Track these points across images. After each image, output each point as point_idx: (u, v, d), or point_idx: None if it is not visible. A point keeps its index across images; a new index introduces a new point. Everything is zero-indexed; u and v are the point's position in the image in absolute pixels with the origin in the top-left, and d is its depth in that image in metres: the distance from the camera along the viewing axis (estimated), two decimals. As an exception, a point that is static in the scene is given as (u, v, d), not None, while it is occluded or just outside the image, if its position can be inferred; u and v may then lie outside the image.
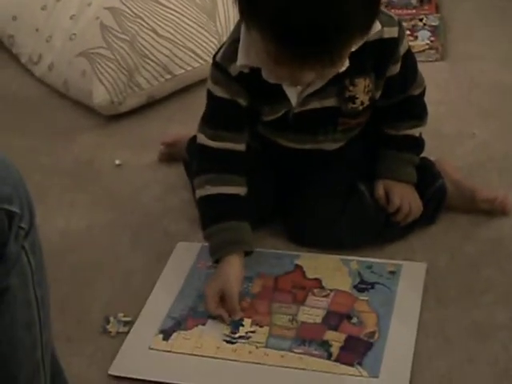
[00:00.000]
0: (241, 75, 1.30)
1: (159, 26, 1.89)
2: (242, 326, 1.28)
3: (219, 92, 1.33)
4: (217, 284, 1.30)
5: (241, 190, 1.36)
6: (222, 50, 1.33)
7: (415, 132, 1.44)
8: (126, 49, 1.86)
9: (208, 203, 1.36)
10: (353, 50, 1.23)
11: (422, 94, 1.43)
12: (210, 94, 1.35)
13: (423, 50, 1.97)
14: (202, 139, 1.36)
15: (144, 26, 1.88)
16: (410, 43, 1.94)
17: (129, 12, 1.90)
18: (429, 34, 2.01)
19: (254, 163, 1.40)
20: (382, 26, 1.28)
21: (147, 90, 1.87)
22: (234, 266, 1.31)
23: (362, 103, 1.34)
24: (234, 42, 1.30)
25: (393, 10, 2.12)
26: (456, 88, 1.85)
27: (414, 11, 2.13)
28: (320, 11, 1.09)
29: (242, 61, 1.28)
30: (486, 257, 1.39)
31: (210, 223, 1.35)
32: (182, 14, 1.93)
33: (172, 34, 1.89)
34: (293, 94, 1.32)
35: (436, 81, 1.87)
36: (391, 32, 1.30)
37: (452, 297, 1.32)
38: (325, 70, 1.19)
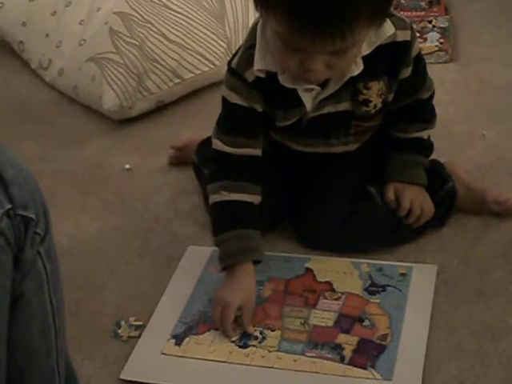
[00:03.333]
0: (257, 80, 1.29)
1: (168, 30, 1.89)
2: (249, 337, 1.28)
3: (235, 98, 1.32)
4: (221, 297, 1.28)
5: (255, 199, 1.36)
6: (237, 57, 1.32)
7: (424, 134, 1.44)
8: (135, 53, 1.86)
9: (222, 209, 1.36)
10: (366, 52, 1.24)
11: (431, 97, 1.43)
12: (225, 101, 1.34)
13: (433, 52, 1.97)
14: (219, 146, 1.35)
15: (153, 31, 1.89)
16: (420, 45, 1.96)
17: (138, 17, 1.90)
18: (438, 35, 2.01)
19: (266, 168, 1.40)
20: (396, 29, 1.28)
21: (156, 95, 1.88)
22: (247, 278, 1.30)
23: (375, 106, 1.34)
24: (249, 48, 1.30)
25: (402, 12, 2.12)
26: (465, 89, 1.85)
27: (423, 13, 2.13)
28: None
29: (258, 65, 1.28)
30: (497, 259, 1.38)
31: (223, 230, 1.34)
32: (190, 18, 1.93)
33: (181, 38, 1.89)
34: (308, 99, 1.31)
35: (445, 82, 1.87)
36: (404, 35, 1.30)
37: (463, 299, 1.31)
38: (336, 57, 1.18)
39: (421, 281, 1.35)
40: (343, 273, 1.38)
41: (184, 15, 1.93)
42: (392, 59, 1.31)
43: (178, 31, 1.90)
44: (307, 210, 1.44)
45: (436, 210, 1.43)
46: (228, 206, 1.35)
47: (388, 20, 1.26)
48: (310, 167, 1.44)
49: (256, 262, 1.33)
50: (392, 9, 1.27)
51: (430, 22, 2.07)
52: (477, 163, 1.59)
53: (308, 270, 1.39)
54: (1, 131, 1.83)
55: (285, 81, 1.28)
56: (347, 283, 1.35)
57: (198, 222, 1.53)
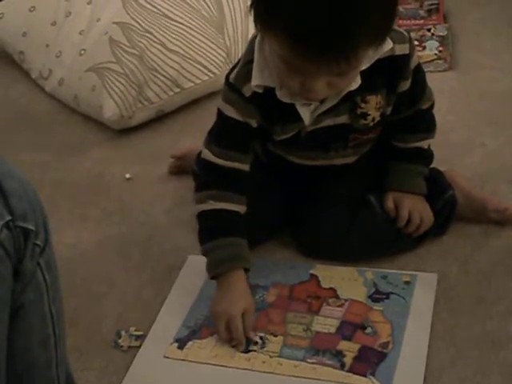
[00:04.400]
0: (254, 96, 1.29)
1: (168, 39, 1.90)
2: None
3: (230, 112, 1.32)
4: (222, 311, 1.28)
5: (241, 209, 1.35)
6: (235, 71, 1.32)
7: (424, 144, 1.44)
8: (135, 63, 1.87)
9: (209, 218, 1.35)
10: (364, 67, 1.24)
11: (431, 107, 1.44)
12: (220, 113, 1.34)
13: (432, 60, 1.97)
14: (208, 156, 1.36)
15: (153, 40, 1.89)
16: (419, 53, 1.96)
17: (137, 26, 1.91)
18: (437, 44, 2.01)
19: (264, 177, 1.41)
20: (394, 43, 1.28)
21: (156, 104, 1.88)
22: (241, 285, 1.29)
23: (374, 119, 1.34)
24: (247, 63, 1.29)
25: (401, 21, 2.13)
26: (465, 97, 1.85)
27: (422, 21, 2.13)
28: (337, 8, 1.09)
29: (256, 81, 1.27)
30: (497, 267, 1.38)
31: (210, 238, 1.34)
32: (190, 28, 1.94)
33: (180, 47, 1.90)
34: (306, 113, 1.31)
35: (444, 90, 1.87)
36: (402, 49, 1.30)
37: (464, 307, 1.31)
38: (339, 77, 1.18)
39: (423, 289, 1.35)
40: (348, 280, 1.38)
41: (183, 25, 1.93)
42: (390, 73, 1.31)
43: (178, 41, 1.90)
44: (307, 219, 1.44)
45: (436, 219, 1.43)
46: (215, 215, 1.35)
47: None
48: (309, 178, 1.44)
49: (245, 271, 1.33)
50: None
51: (429, 30, 2.07)
52: (476, 171, 1.59)
53: (313, 276, 1.40)
54: (1, 141, 1.84)
55: (283, 96, 1.28)
56: (351, 290, 1.36)
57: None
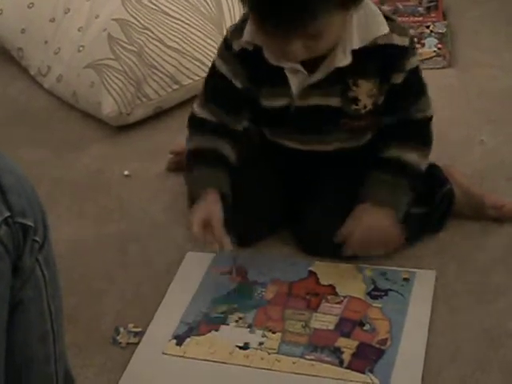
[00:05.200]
0: (243, 52, 1.33)
1: (166, 36, 1.90)
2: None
3: (221, 66, 1.37)
4: (200, 213, 1.32)
5: (229, 155, 1.39)
6: (232, 25, 1.37)
7: (410, 157, 1.37)
8: (133, 60, 1.87)
9: (196, 152, 1.40)
10: (356, 47, 1.26)
11: (425, 120, 1.39)
12: (212, 66, 1.40)
13: (430, 58, 1.97)
14: (196, 110, 1.42)
15: (151, 37, 1.89)
16: (418, 51, 1.96)
17: (136, 23, 1.91)
18: (436, 41, 2.01)
19: (264, 173, 1.41)
20: (392, 32, 1.29)
21: (155, 101, 1.88)
22: (212, 200, 1.33)
23: (365, 106, 1.34)
24: (244, 19, 1.33)
25: (400, 18, 2.12)
26: (464, 95, 1.85)
27: (421, 19, 2.13)
28: None
29: (246, 37, 1.31)
30: (495, 264, 1.39)
31: (194, 167, 1.39)
32: (188, 25, 1.93)
33: (179, 44, 1.90)
34: (295, 82, 1.32)
35: (443, 88, 1.87)
36: (401, 40, 1.31)
37: (462, 304, 1.31)
38: (314, 40, 1.21)
39: (422, 286, 1.35)
40: (347, 277, 1.38)
41: (182, 21, 1.93)
42: (385, 61, 1.31)
43: (176, 37, 1.90)
44: (307, 216, 1.44)
45: (433, 214, 1.43)
46: (202, 151, 1.39)
47: (384, 21, 1.28)
48: (307, 168, 1.44)
49: (224, 201, 1.34)
50: (393, 15, 1.31)
51: (428, 27, 2.07)
52: (475, 168, 1.59)
53: (311, 273, 1.40)
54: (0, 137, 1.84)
55: (270, 57, 1.29)
56: (350, 287, 1.36)
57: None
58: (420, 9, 2.17)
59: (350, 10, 1.23)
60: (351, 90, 1.32)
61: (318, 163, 1.43)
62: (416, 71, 1.36)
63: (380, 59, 1.31)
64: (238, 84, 1.35)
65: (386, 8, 2.16)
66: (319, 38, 1.22)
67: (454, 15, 2.18)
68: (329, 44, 1.26)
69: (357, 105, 1.33)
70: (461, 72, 1.94)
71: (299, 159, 1.43)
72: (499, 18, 2.13)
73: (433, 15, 2.14)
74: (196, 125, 1.43)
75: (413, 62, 1.34)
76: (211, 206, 1.33)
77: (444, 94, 1.84)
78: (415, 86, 1.37)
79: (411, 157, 1.37)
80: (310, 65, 1.30)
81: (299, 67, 1.30)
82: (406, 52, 1.32)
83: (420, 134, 1.40)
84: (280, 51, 1.25)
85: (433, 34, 2.04)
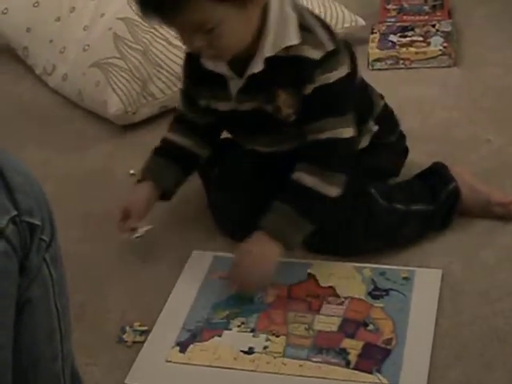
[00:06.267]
0: (188, 55, 1.41)
1: (172, 35, 1.89)
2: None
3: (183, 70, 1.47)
4: (126, 202, 1.46)
5: (196, 149, 1.47)
6: None
7: (310, 181, 1.30)
8: (139, 58, 1.87)
9: (163, 142, 1.49)
10: (268, 54, 1.27)
11: (332, 142, 1.30)
12: None
13: (436, 56, 1.96)
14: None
15: (157, 36, 1.89)
16: (423, 49, 1.97)
17: (142, 22, 1.91)
18: (441, 39, 2.00)
19: (260, 171, 1.42)
20: (303, 44, 1.27)
21: (161, 100, 1.88)
22: (142, 192, 1.45)
23: (289, 115, 1.32)
24: None
25: (405, 17, 2.13)
26: (469, 94, 1.85)
27: (426, 17, 2.12)
28: None
29: None
30: (502, 263, 1.38)
31: (152, 154, 1.49)
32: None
33: (185, 43, 1.89)
34: (233, 86, 1.35)
35: (449, 87, 1.87)
36: (312, 53, 1.28)
37: (468, 303, 1.31)
38: (208, 34, 1.23)
39: (425, 285, 1.35)
40: (346, 277, 1.38)
41: (188, 20, 1.93)
42: (296, 72, 1.29)
43: (182, 36, 1.90)
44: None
45: (439, 212, 1.43)
46: (168, 143, 1.48)
47: (296, 31, 1.27)
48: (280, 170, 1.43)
49: (165, 197, 1.48)
50: (319, 27, 1.29)
51: (434, 26, 2.06)
52: (481, 167, 1.59)
53: (310, 275, 1.39)
54: (5, 136, 1.83)
55: (204, 61, 1.35)
56: (350, 288, 1.35)
57: (202, 227, 1.53)
58: (426, 7, 2.16)
59: (244, 7, 1.22)
60: (274, 99, 1.32)
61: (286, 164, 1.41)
62: (328, 88, 1.28)
63: (292, 70, 1.29)
64: (181, 85, 1.47)
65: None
66: (215, 33, 1.23)
67: (459, 14, 2.17)
68: (231, 42, 1.26)
69: (281, 113, 1.32)
70: (467, 71, 1.94)
71: (269, 161, 1.43)
72: (505, 17, 2.13)
73: (438, 14, 2.14)
74: (179, 121, 1.50)
75: (326, 77, 1.28)
76: (137, 197, 1.45)
77: (450, 92, 1.84)
78: (323, 104, 1.30)
79: (311, 181, 1.30)
80: (239, 70, 1.32)
81: (226, 71, 1.33)
82: (315, 65, 1.27)
83: (324, 156, 1.31)
84: (190, 46, 1.29)
85: (438, 33, 2.03)
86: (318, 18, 1.36)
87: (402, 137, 1.54)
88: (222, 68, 1.34)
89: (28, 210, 0.82)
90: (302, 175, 1.30)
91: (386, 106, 1.51)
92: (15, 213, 0.80)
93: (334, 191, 1.30)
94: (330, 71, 1.28)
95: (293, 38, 1.27)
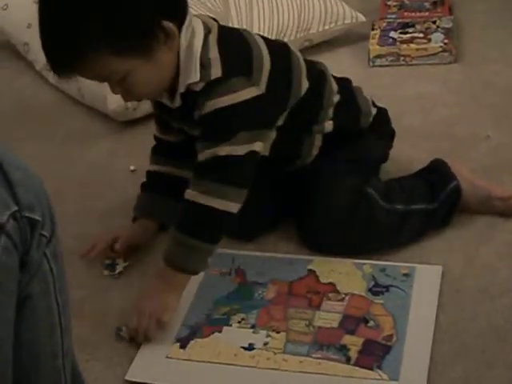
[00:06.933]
0: None
1: (172, 31, 1.89)
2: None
3: None
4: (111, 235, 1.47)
5: (179, 173, 1.46)
6: None
7: (200, 199, 1.27)
8: (139, 55, 1.86)
9: (150, 175, 1.51)
10: (181, 91, 1.29)
11: (212, 160, 1.27)
12: None
13: (437, 53, 1.96)
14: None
15: (157, 32, 1.88)
16: (424, 46, 1.97)
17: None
18: (442, 36, 2.00)
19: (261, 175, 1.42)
20: (201, 80, 1.28)
21: (161, 96, 1.87)
22: (136, 227, 1.48)
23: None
24: None
25: (406, 13, 2.13)
26: (470, 90, 1.85)
27: (427, 14, 2.12)
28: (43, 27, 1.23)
29: None
30: (502, 259, 1.38)
31: (143, 188, 1.52)
32: (194, 20, 1.93)
33: (185, 39, 1.89)
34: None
35: (450, 83, 1.87)
36: (198, 86, 1.28)
37: (468, 299, 1.31)
38: (117, 83, 1.27)
39: (425, 281, 1.35)
40: (346, 274, 1.38)
41: (188, 16, 1.92)
42: (191, 104, 1.31)
43: (183, 32, 1.90)
44: (307, 214, 1.44)
45: (440, 210, 1.43)
46: (155, 174, 1.49)
47: (197, 68, 1.27)
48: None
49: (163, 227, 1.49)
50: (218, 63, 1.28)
51: (435, 22, 2.06)
52: (481, 164, 1.59)
53: (310, 271, 1.39)
54: (5, 132, 1.84)
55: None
56: (350, 284, 1.36)
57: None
58: (426, 4, 2.16)
59: (149, 57, 1.24)
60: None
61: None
62: (218, 112, 1.27)
63: (188, 102, 1.31)
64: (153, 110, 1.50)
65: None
66: (128, 81, 1.25)
67: (460, 10, 2.17)
68: (146, 88, 1.29)
69: None
70: (467, 67, 1.94)
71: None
72: (506, 13, 2.13)
73: (439, 10, 2.14)
74: (158, 147, 1.51)
75: (211, 104, 1.27)
76: (133, 231, 1.48)
77: (450, 89, 1.84)
78: (210, 129, 1.29)
79: (189, 194, 1.28)
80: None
81: (165, 101, 1.34)
82: (198, 95, 1.28)
83: (217, 172, 1.28)
84: (112, 91, 1.31)
85: (439, 29, 2.03)
86: (226, 41, 1.31)
87: (382, 121, 1.52)
88: (161, 97, 1.35)
89: (28, 205, 0.82)
90: (191, 193, 1.28)
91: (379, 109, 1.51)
92: (16, 208, 0.80)
93: (230, 206, 1.27)
94: (210, 98, 1.27)
95: (193, 77, 1.28)
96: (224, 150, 1.26)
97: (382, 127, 1.52)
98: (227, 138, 1.26)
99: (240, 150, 1.27)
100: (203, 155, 1.28)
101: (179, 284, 1.30)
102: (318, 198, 1.42)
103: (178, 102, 1.32)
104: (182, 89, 1.30)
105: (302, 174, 1.45)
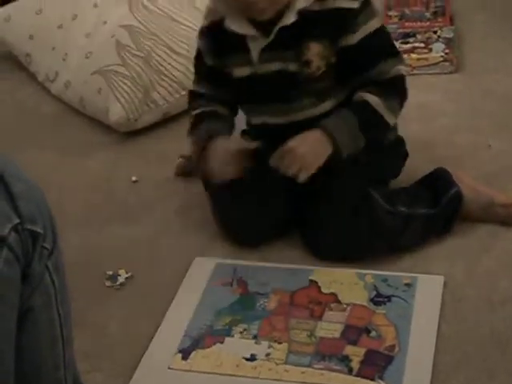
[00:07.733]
0: (210, 25, 1.45)
1: (174, 42, 1.90)
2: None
3: (198, 43, 1.50)
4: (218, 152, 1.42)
5: (226, 113, 1.49)
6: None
7: (371, 98, 1.38)
8: (141, 66, 1.87)
9: (199, 115, 1.49)
10: (301, 6, 1.33)
11: (392, 79, 1.40)
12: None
13: (438, 63, 1.97)
14: (192, 87, 1.55)
15: (159, 43, 1.90)
16: (425, 55, 1.97)
17: (144, 29, 1.91)
18: (443, 46, 2.01)
19: (268, 178, 1.42)
20: None
21: (163, 107, 1.88)
22: (223, 140, 1.42)
23: (319, 68, 1.38)
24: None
25: (407, 23, 2.13)
26: (471, 100, 1.85)
27: (428, 24, 2.13)
28: None
29: (211, 4, 1.44)
30: (503, 268, 1.38)
31: (199, 125, 1.48)
32: (195, 31, 1.92)
33: (187, 50, 1.90)
34: (255, 47, 1.39)
35: (451, 92, 1.87)
36: (349, 3, 1.34)
37: (470, 309, 1.31)
38: None
39: (427, 291, 1.35)
40: (348, 284, 1.38)
41: (189, 27, 1.93)
42: (334, 24, 1.35)
43: (184, 43, 1.91)
44: (311, 220, 1.44)
45: (440, 216, 1.43)
46: (204, 112, 1.49)
47: None
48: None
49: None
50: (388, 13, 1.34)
51: (435, 32, 2.07)
52: (483, 173, 1.59)
53: (312, 282, 1.39)
54: (7, 142, 1.84)
55: (230, 23, 1.37)
56: (352, 294, 1.35)
57: (204, 234, 1.53)
58: (427, 14, 2.16)
59: None
60: (303, 53, 1.37)
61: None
62: (375, 34, 1.37)
63: (329, 22, 1.35)
64: (208, 61, 1.46)
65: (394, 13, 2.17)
66: None
67: (461, 20, 2.18)
68: None
69: (310, 67, 1.38)
70: (468, 77, 1.94)
71: (278, 140, 1.42)
72: (506, 23, 2.13)
73: (440, 20, 2.14)
74: (195, 96, 1.53)
75: (369, 26, 1.36)
76: (225, 144, 1.42)
77: (451, 98, 1.84)
78: (373, 49, 1.38)
79: (372, 99, 1.38)
80: (266, 29, 1.36)
81: (253, 32, 1.37)
82: (353, 14, 1.35)
83: (386, 91, 1.39)
84: (243, 3, 1.31)
85: (440, 39, 2.03)
86: None
87: (401, 141, 1.54)
88: (246, 28, 1.37)
89: (30, 218, 0.82)
90: (366, 95, 1.38)
91: None
92: (17, 221, 0.80)
93: (391, 119, 1.40)
94: (370, 18, 1.35)
95: None
96: (403, 70, 1.40)
97: (402, 147, 1.54)
98: (395, 54, 1.39)
99: (404, 70, 1.41)
100: (385, 73, 1.36)
101: (326, 151, 1.36)
102: (323, 199, 1.43)
103: (292, 19, 1.33)
104: (302, 4, 1.32)
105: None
